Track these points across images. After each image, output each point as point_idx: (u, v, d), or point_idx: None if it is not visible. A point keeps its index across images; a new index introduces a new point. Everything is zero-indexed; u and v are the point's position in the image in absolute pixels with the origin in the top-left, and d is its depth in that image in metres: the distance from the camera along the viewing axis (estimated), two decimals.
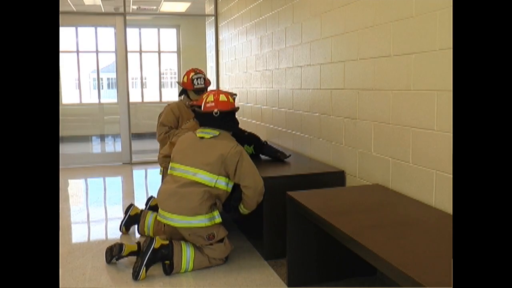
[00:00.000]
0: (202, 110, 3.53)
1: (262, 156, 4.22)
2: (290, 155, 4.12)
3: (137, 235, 4.01)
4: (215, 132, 3.42)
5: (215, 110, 3.42)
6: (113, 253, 3.36)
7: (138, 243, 3.40)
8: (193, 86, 4.57)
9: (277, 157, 4.08)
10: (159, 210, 3.37)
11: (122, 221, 4.09)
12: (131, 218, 4.06)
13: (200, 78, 4.49)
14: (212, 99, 3.48)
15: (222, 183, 3.29)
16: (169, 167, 3.50)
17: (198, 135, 3.46)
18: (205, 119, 3.51)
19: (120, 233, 4.10)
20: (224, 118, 3.46)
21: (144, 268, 3.11)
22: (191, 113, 4.35)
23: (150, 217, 3.93)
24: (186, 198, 3.22)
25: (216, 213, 3.29)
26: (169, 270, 3.20)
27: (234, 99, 3.60)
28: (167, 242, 3.23)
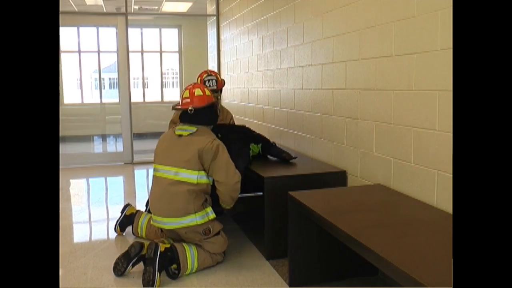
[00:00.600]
0: (179, 107, 3.50)
1: (270, 157, 4.20)
2: (296, 157, 4.10)
3: (132, 236, 4.01)
4: (193, 129, 3.38)
5: (190, 108, 3.38)
6: (132, 254, 3.17)
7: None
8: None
9: (283, 157, 4.07)
10: (153, 215, 3.37)
11: (117, 221, 4.08)
12: (127, 218, 4.05)
13: (212, 80, 4.45)
14: (188, 95, 3.46)
15: (203, 178, 3.29)
16: (153, 168, 3.47)
17: (176, 132, 3.41)
18: (182, 116, 3.48)
19: (116, 233, 4.08)
20: (200, 114, 3.42)
21: (158, 274, 3.00)
22: None
23: (144, 219, 3.92)
24: (173, 200, 3.23)
25: (209, 209, 3.31)
26: (177, 272, 3.14)
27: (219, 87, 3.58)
28: (169, 244, 3.20)
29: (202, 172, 3.28)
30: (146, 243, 3.22)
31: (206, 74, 4.51)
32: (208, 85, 4.43)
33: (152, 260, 3.02)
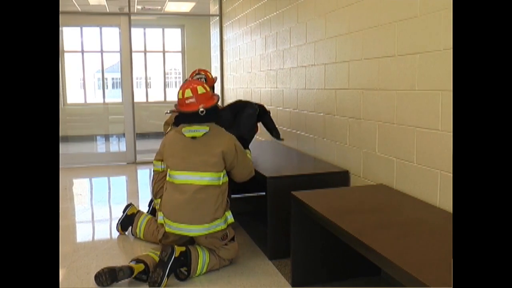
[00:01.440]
0: (184, 110, 3.28)
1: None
2: (283, 139, 4.14)
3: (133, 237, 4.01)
4: (205, 128, 3.24)
5: (201, 109, 3.20)
6: (119, 277, 3.02)
7: (145, 263, 3.11)
8: None
9: (272, 133, 4.10)
10: (170, 222, 3.20)
11: (119, 220, 4.10)
12: (128, 218, 4.05)
13: (201, 78, 4.43)
14: (191, 94, 3.25)
15: (225, 177, 3.28)
16: (168, 174, 3.30)
17: (186, 135, 3.26)
18: (189, 118, 3.27)
19: (118, 233, 4.08)
20: (209, 112, 3.27)
21: (166, 278, 2.98)
22: None
23: (143, 219, 3.92)
24: (202, 206, 3.14)
25: (228, 214, 3.27)
26: (187, 274, 3.12)
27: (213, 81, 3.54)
28: (184, 248, 3.13)
29: (224, 172, 3.26)
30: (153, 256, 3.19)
31: (196, 73, 4.51)
32: None
33: (165, 264, 2.99)
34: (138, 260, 3.12)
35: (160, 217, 3.33)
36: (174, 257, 3.02)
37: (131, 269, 3.05)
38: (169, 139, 3.41)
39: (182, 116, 3.33)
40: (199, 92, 3.27)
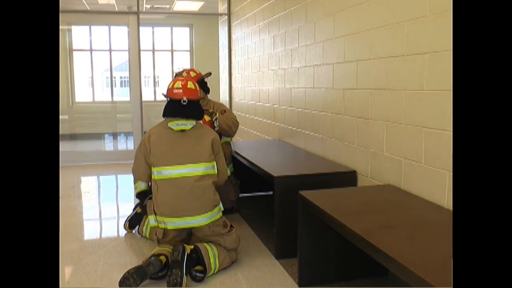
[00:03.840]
0: (168, 96, 3.39)
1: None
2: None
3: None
4: (192, 122, 3.36)
5: (184, 98, 3.32)
6: (149, 272, 3.00)
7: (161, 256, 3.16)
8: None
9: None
10: (172, 218, 3.20)
11: (128, 217, 4.12)
12: (137, 216, 4.07)
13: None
14: (180, 86, 3.37)
15: (216, 167, 3.37)
16: (155, 171, 3.26)
17: (175, 128, 3.31)
18: (173, 106, 3.36)
19: (125, 231, 4.10)
20: (193, 108, 3.40)
21: (185, 277, 2.97)
22: None
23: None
24: (203, 194, 3.21)
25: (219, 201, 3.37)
26: (203, 275, 3.11)
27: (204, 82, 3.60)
28: (192, 246, 3.15)
29: (215, 162, 3.36)
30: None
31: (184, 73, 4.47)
32: None
33: (180, 263, 2.98)
34: (156, 255, 3.14)
35: (151, 220, 3.32)
36: (187, 254, 3.03)
37: (159, 261, 3.07)
38: (156, 136, 3.37)
39: (170, 105, 3.39)
40: (188, 86, 3.39)
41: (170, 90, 3.40)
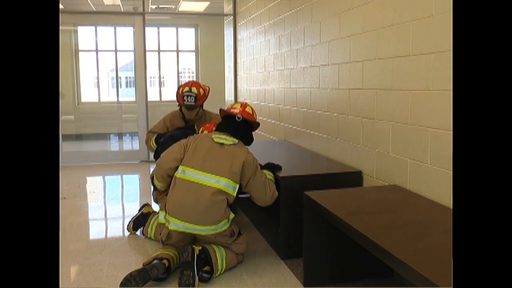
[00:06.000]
0: (225, 111, 3.54)
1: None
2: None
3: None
4: (235, 140, 3.37)
5: (238, 115, 3.44)
6: (152, 275, 3.00)
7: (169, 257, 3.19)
8: (183, 102, 4.42)
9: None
10: (178, 221, 3.18)
11: (133, 218, 4.10)
12: (143, 217, 4.07)
13: (190, 96, 4.36)
14: (239, 107, 3.53)
15: (235, 191, 3.25)
16: (180, 170, 3.28)
17: (215, 140, 3.34)
18: (226, 122, 3.49)
19: (133, 230, 4.09)
20: (245, 128, 3.48)
21: (197, 278, 2.99)
22: (183, 123, 4.46)
23: (156, 219, 3.91)
24: (211, 209, 3.14)
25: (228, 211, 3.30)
26: (209, 276, 3.12)
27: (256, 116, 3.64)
28: (200, 247, 3.14)
29: (237, 185, 3.25)
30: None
31: (186, 89, 4.42)
32: (186, 100, 4.36)
33: (190, 263, 3.00)
34: (159, 258, 3.12)
35: (161, 216, 3.34)
36: (196, 255, 3.04)
37: (163, 265, 3.06)
38: (200, 139, 3.42)
39: (224, 121, 3.54)
40: (246, 110, 3.53)
41: (229, 108, 3.57)
